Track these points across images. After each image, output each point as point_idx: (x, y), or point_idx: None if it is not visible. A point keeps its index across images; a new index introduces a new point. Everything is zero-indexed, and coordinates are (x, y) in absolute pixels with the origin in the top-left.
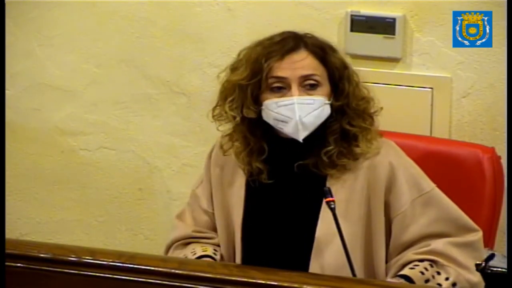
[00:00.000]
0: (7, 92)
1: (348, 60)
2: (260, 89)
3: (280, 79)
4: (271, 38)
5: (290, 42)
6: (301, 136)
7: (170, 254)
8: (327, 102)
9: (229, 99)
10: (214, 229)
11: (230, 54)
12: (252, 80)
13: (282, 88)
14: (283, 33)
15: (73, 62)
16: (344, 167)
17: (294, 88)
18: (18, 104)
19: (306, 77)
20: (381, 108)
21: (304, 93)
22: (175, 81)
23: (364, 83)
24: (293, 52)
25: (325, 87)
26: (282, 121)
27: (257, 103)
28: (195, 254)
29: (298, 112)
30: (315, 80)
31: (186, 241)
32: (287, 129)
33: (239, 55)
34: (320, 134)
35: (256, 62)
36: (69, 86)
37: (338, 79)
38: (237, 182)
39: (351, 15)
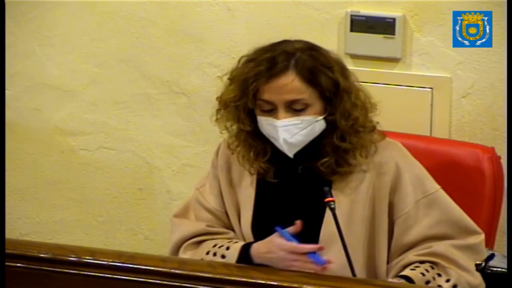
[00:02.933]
0: (7, 92)
1: (348, 60)
2: (253, 106)
3: (268, 102)
4: (264, 51)
5: (279, 61)
6: (290, 153)
7: (181, 254)
8: (319, 119)
9: (226, 111)
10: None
11: (230, 54)
12: (241, 100)
13: (271, 109)
14: (276, 47)
15: (73, 62)
16: (345, 173)
17: (281, 111)
18: (18, 104)
19: (292, 102)
20: (377, 123)
21: (292, 114)
22: (175, 81)
23: (362, 91)
24: (280, 75)
25: (316, 106)
26: (272, 137)
27: (253, 115)
28: (228, 248)
29: (282, 135)
30: (302, 104)
31: (199, 239)
32: (277, 145)
33: (239, 61)
34: (317, 143)
35: (245, 83)
36: (69, 86)
37: (330, 97)
38: (246, 181)
39: (351, 15)
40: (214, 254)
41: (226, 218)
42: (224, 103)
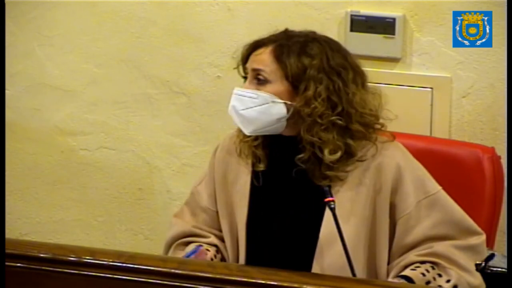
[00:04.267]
0: (7, 92)
1: None
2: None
3: (247, 70)
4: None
5: (273, 37)
6: (245, 129)
7: (171, 253)
8: (276, 100)
9: None
10: (213, 227)
11: (230, 54)
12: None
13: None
14: (292, 31)
15: (73, 62)
16: (338, 177)
17: (248, 79)
18: (18, 104)
19: (256, 71)
20: (380, 127)
21: (253, 86)
22: (175, 81)
23: (366, 100)
24: (262, 46)
25: (277, 85)
26: None
27: None
28: None
29: (233, 102)
30: (262, 76)
31: (186, 240)
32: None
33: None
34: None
35: (242, 57)
36: (69, 86)
37: (295, 81)
38: (241, 181)
39: (351, 15)
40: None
41: (218, 218)
42: None
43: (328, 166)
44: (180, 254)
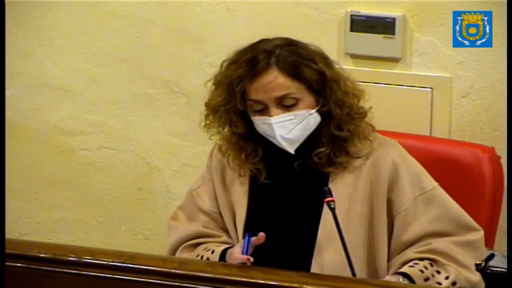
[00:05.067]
0: (7, 92)
1: (348, 60)
2: (243, 108)
3: (257, 101)
4: (244, 53)
5: (260, 60)
6: (291, 149)
7: (178, 256)
8: (312, 112)
9: (216, 116)
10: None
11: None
12: (230, 103)
13: (263, 108)
14: (256, 46)
15: (73, 62)
16: (342, 164)
17: (272, 108)
18: (18, 104)
19: (281, 98)
20: (370, 108)
21: (284, 110)
22: (175, 81)
23: (349, 79)
24: (263, 73)
25: (307, 100)
26: (269, 136)
27: (245, 116)
28: (213, 251)
29: (278, 132)
30: (292, 98)
31: (195, 241)
32: (276, 143)
33: (221, 66)
34: (312, 136)
35: (230, 86)
36: (69, 86)
37: (320, 88)
38: (240, 181)
39: (351, 15)
40: (202, 257)
41: (221, 220)
42: (213, 108)
43: (335, 153)
44: (188, 256)
